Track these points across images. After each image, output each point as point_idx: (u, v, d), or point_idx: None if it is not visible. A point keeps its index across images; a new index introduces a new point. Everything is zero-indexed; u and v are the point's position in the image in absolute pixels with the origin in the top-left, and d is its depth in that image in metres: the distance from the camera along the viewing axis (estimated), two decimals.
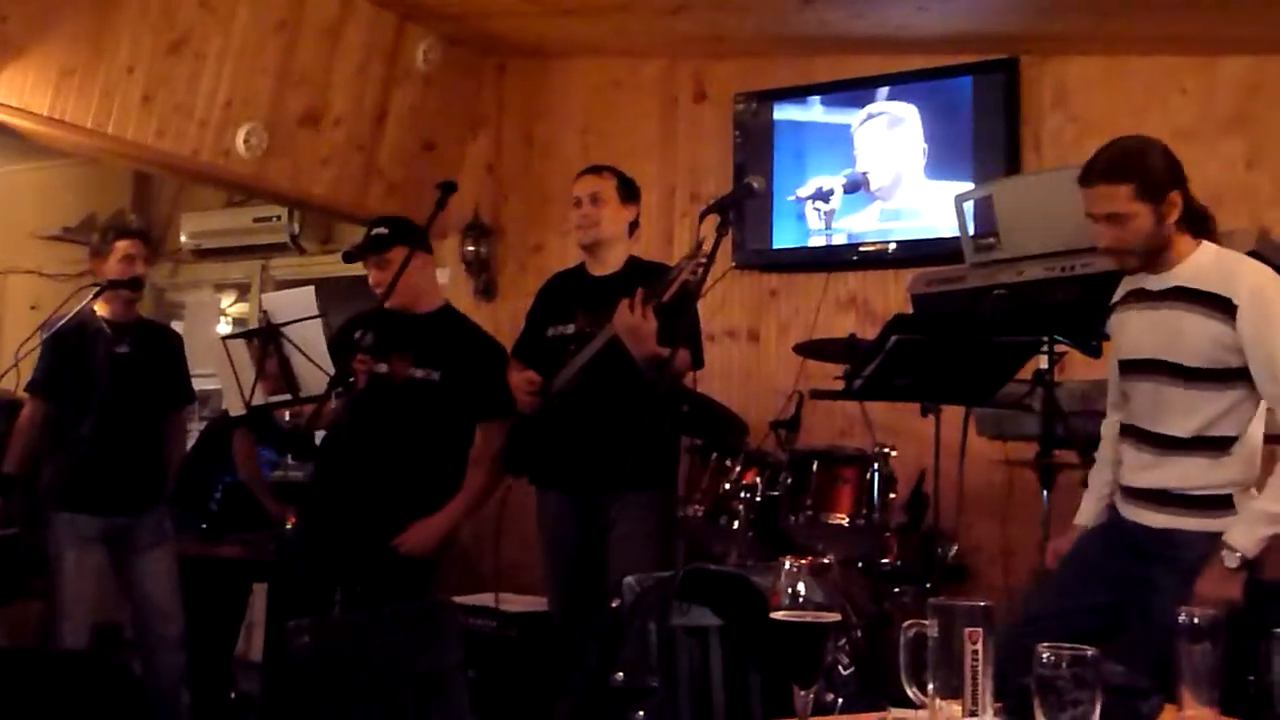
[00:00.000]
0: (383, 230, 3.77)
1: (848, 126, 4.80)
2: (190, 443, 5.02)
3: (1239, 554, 2.55)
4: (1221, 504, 2.66)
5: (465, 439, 3.83)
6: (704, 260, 3.05)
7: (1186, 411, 2.68)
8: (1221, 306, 2.61)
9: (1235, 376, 2.63)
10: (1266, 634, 1.70)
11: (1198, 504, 2.67)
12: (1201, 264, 2.68)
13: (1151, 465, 2.76)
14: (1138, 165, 2.68)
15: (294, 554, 3.80)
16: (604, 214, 3.72)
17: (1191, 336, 2.65)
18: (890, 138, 4.71)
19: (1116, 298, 2.90)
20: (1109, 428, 2.97)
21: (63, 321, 4.07)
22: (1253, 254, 2.85)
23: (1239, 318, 2.58)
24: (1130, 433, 2.82)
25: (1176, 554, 2.67)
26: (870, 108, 4.75)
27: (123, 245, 4.15)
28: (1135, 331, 2.80)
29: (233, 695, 4.86)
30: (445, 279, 5.84)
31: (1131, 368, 2.81)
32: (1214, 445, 2.66)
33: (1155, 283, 2.74)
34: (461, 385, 3.73)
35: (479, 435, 3.81)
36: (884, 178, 4.72)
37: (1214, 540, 2.60)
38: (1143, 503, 2.77)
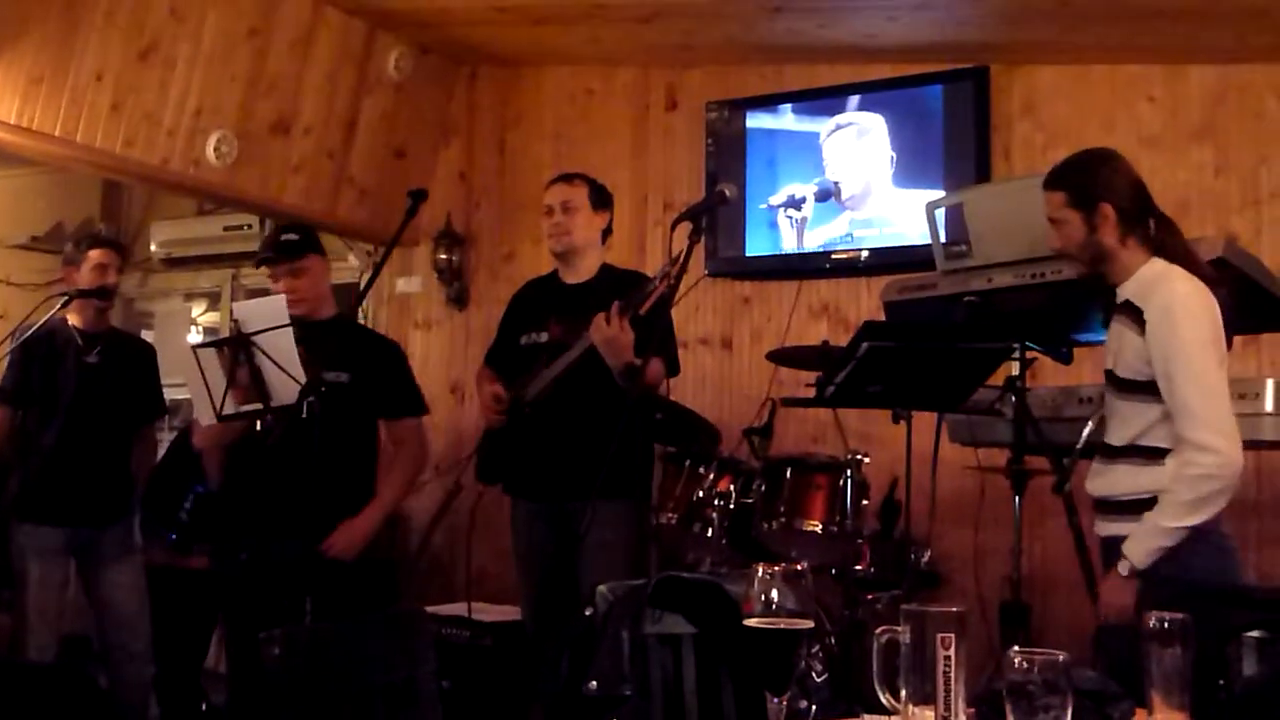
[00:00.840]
0: (293, 236, 3.78)
1: (819, 134, 4.83)
2: (161, 453, 4.99)
3: (1129, 563, 2.63)
4: (1146, 507, 2.68)
5: (376, 438, 3.90)
6: (677, 272, 3.06)
7: (1121, 421, 2.75)
8: (1137, 319, 2.68)
9: (1158, 390, 2.67)
10: (1236, 638, 1.71)
11: (1128, 509, 2.72)
12: (1143, 280, 2.74)
13: (1097, 473, 2.85)
14: (1076, 175, 2.79)
15: (245, 567, 3.76)
16: (575, 222, 3.72)
17: (1125, 349, 2.72)
18: (858, 148, 4.73)
19: None
20: None
21: (32, 330, 4.05)
22: (1219, 261, 2.88)
23: (1146, 333, 2.65)
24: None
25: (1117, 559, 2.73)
26: (838, 118, 4.78)
27: (96, 254, 4.16)
28: (1107, 342, 2.88)
29: (204, 707, 4.84)
30: (417, 287, 5.85)
31: (1105, 378, 2.89)
32: (1144, 454, 2.71)
33: (1118, 295, 2.80)
34: (368, 385, 3.75)
35: (387, 433, 3.85)
36: (854, 187, 4.75)
37: None
38: (1099, 512, 2.84)
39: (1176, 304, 2.63)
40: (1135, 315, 2.69)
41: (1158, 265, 2.73)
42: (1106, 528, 2.79)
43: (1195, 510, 2.59)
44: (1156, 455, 2.68)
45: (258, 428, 3.56)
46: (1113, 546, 2.73)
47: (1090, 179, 2.77)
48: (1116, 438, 2.76)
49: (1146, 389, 2.68)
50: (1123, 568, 2.64)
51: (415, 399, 3.91)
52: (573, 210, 3.72)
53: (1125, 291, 2.76)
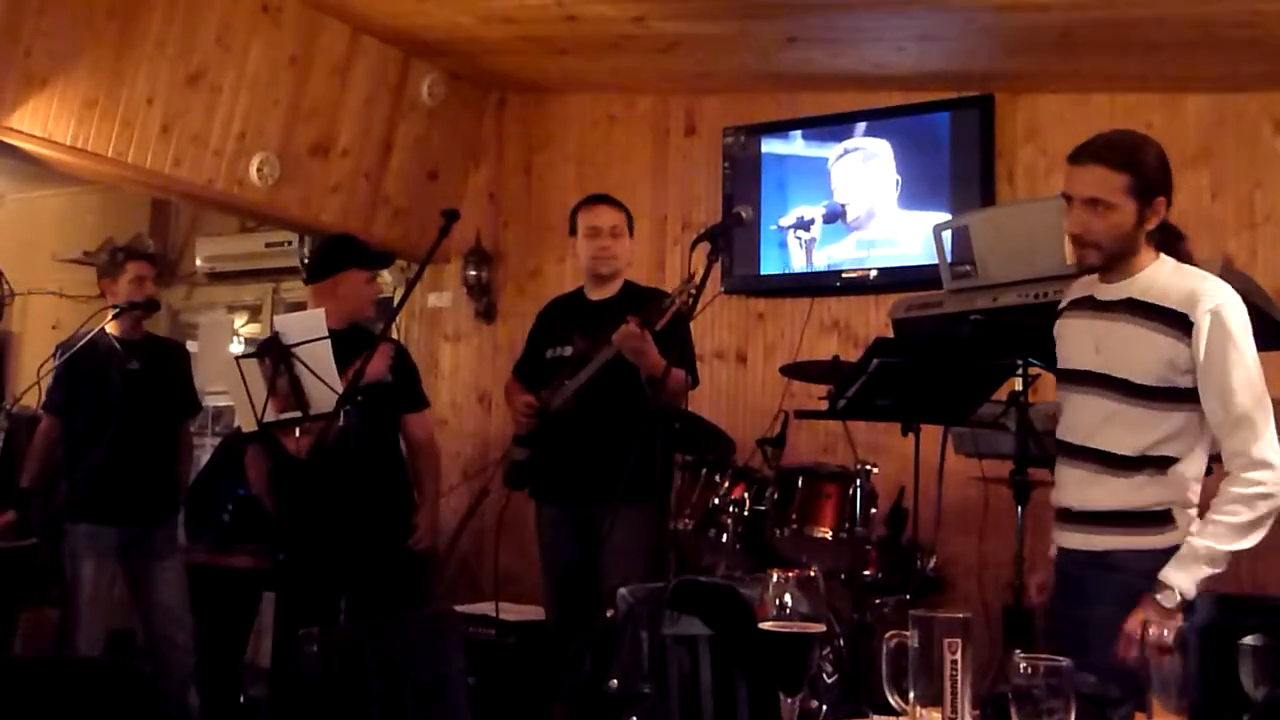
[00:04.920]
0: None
1: (828, 159, 4.90)
2: (205, 458, 5.14)
3: (1177, 595, 2.39)
4: (1160, 520, 2.52)
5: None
6: (695, 290, 3.19)
7: (1134, 429, 2.53)
8: (1178, 324, 2.47)
9: (1185, 398, 2.50)
10: (1235, 645, 1.75)
11: (1137, 521, 2.53)
12: (1158, 279, 2.55)
13: (1090, 483, 2.60)
14: (1138, 159, 2.52)
15: (295, 564, 3.89)
16: (622, 245, 3.88)
17: (1142, 352, 2.52)
18: (864, 172, 4.81)
19: (1063, 304, 2.77)
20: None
21: (79, 344, 4.15)
22: None
23: (1194, 339, 2.45)
24: (1066, 450, 2.66)
25: (1114, 576, 2.54)
26: (846, 143, 4.85)
27: (133, 267, 4.24)
28: (1078, 341, 2.67)
29: (242, 699, 4.94)
30: (448, 302, 5.94)
31: (1071, 378, 2.67)
32: (1156, 464, 2.52)
33: (1107, 292, 2.61)
34: (400, 384, 3.98)
35: (414, 424, 4.11)
36: (859, 209, 4.83)
37: (1153, 557, 2.47)
38: (1081, 525, 2.62)
39: (1227, 311, 2.45)
40: (1162, 318, 2.49)
41: (1170, 263, 2.56)
42: (1102, 541, 2.57)
43: (1252, 531, 2.39)
44: (1166, 466, 2.52)
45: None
46: (1106, 562, 2.55)
47: (1154, 170, 2.51)
48: (1125, 446, 2.53)
49: (1170, 396, 2.50)
50: (1166, 599, 2.38)
51: (423, 392, 4.21)
52: (620, 235, 3.87)
53: (1129, 289, 2.56)
